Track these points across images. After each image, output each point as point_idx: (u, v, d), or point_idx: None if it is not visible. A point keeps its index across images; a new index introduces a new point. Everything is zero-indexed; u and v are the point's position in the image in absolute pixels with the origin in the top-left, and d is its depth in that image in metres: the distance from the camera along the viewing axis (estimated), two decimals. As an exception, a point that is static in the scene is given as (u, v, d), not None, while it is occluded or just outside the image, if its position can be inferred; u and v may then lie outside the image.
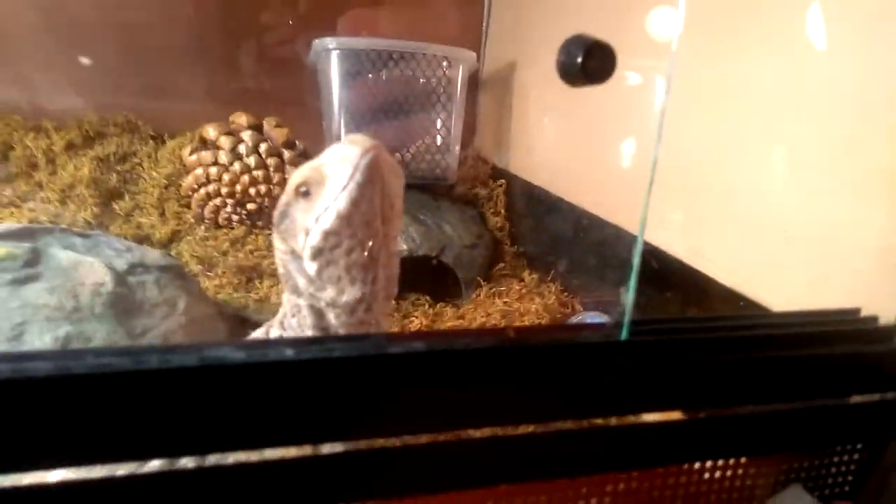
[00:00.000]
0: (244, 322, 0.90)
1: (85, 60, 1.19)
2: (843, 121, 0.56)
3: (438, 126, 1.18)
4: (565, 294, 1.02)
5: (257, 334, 0.56)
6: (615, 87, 0.83)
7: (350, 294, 0.49)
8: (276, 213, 0.50)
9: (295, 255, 0.49)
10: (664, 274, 0.80)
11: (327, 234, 0.46)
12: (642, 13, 0.80)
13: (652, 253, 0.81)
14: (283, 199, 0.49)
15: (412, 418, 0.42)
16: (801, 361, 0.51)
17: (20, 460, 0.34)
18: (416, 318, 0.95)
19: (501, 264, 1.14)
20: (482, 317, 0.96)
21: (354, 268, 0.48)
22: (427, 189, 1.20)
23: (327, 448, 0.41)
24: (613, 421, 0.47)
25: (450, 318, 0.97)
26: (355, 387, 0.40)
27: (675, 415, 0.48)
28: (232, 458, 0.39)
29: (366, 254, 0.48)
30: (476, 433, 0.44)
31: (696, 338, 0.47)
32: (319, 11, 1.25)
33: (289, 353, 0.39)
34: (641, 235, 0.43)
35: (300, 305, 0.52)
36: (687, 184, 0.77)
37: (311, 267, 0.48)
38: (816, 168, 0.60)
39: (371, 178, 0.46)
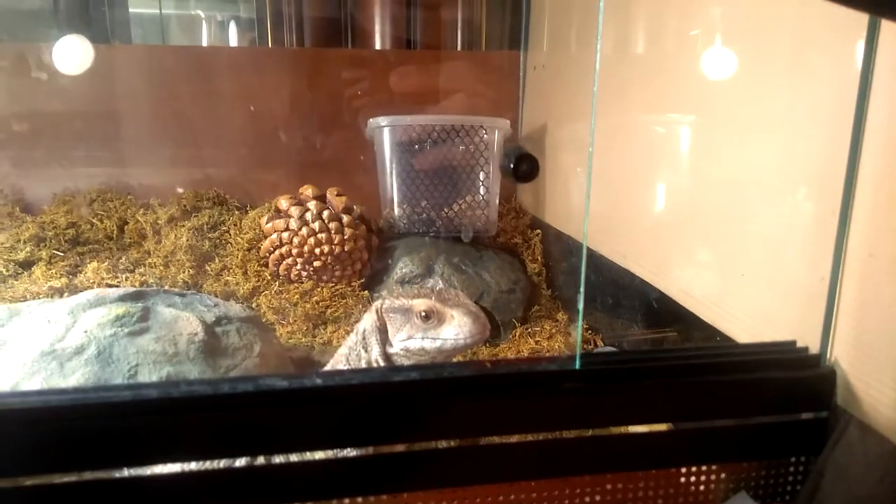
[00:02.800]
0: (310, 362, 1.07)
1: (184, 146, 1.44)
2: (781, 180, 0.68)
3: (479, 185, 1.34)
4: (589, 332, 1.14)
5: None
6: (630, 147, 0.98)
7: None
8: (390, 304, 0.69)
9: (382, 331, 0.70)
10: (663, 312, 0.91)
11: (423, 349, 0.69)
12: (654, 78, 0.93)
13: (655, 295, 0.93)
14: (405, 304, 0.70)
15: (415, 429, 0.56)
16: (742, 384, 0.62)
17: (137, 457, 0.50)
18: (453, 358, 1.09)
19: (537, 307, 1.27)
20: (513, 355, 1.10)
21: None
22: (472, 241, 1.36)
23: (351, 452, 0.56)
24: (572, 434, 0.60)
25: (485, 356, 1.11)
26: (370, 405, 0.54)
27: (627, 429, 0.60)
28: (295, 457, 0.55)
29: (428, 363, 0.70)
30: (461, 441, 0.58)
31: (637, 367, 0.59)
32: (377, 94, 1.46)
33: (318, 381, 0.54)
34: (582, 287, 0.56)
35: (361, 357, 0.70)
36: (685, 231, 0.89)
37: (395, 347, 0.70)
38: (763, 219, 0.71)
39: (472, 346, 0.69)
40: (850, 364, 0.60)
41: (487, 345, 1.18)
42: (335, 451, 0.56)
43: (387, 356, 0.69)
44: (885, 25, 0.53)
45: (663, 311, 0.92)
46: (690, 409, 0.61)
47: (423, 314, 0.68)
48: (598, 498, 0.60)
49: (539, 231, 1.39)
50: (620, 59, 1.06)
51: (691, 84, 0.87)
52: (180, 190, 1.39)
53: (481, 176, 1.34)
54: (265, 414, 0.53)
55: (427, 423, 0.56)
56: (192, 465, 0.56)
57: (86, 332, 0.79)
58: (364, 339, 0.71)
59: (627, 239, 1.04)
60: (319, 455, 0.56)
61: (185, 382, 0.52)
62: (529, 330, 1.20)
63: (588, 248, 1.16)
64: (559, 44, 1.38)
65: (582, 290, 0.56)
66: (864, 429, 0.58)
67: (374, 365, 0.69)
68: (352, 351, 0.72)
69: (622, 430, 0.64)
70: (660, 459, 0.62)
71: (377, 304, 0.72)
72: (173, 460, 0.54)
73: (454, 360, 0.89)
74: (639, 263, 1.00)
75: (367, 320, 0.72)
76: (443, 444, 0.58)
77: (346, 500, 0.55)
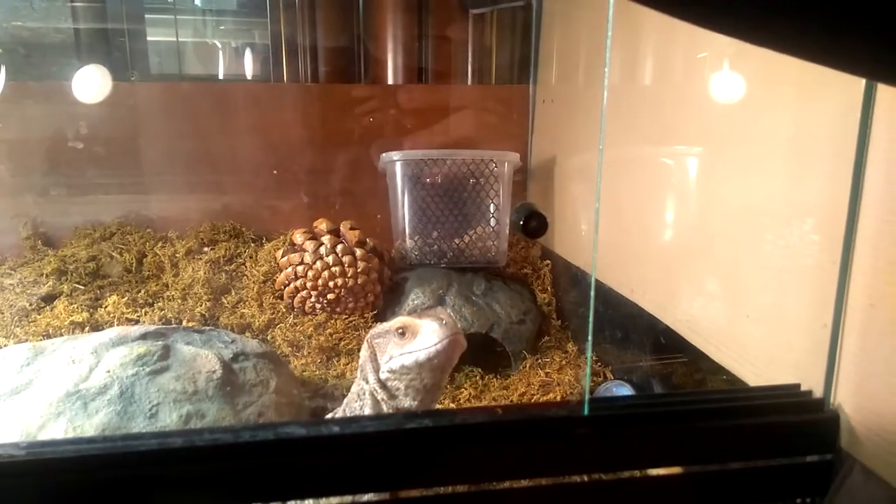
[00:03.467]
0: (324, 395, 1.09)
1: (201, 179, 1.47)
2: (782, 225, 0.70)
3: (489, 217, 1.36)
4: (599, 364, 1.15)
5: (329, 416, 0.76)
6: (637, 179, 1.00)
7: (401, 402, 0.71)
8: (376, 331, 0.71)
9: (373, 359, 0.72)
10: (670, 347, 0.93)
11: (403, 367, 0.69)
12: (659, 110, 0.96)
13: (662, 329, 0.95)
14: (386, 327, 0.72)
15: (429, 475, 0.58)
16: (749, 428, 0.63)
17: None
18: (466, 388, 1.11)
19: (547, 337, 1.29)
20: (524, 387, 1.11)
21: (411, 390, 0.70)
22: (482, 271, 1.38)
23: (365, 498, 0.58)
24: (584, 478, 0.61)
25: (496, 388, 1.13)
26: (385, 451, 0.56)
27: (634, 473, 0.62)
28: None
29: (422, 385, 0.70)
30: (474, 486, 0.60)
31: (644, 412, 0.61)
32: (390, 128, 1.49)
33: (335, 429, 0.56)
34: (590, 341, 0.58)
35: (365, 391, 0.72)
36: (691, 266, 0.90)
37: (383, 374, 0.71)
38: (768, 260, 0.73)
39: (445, 351, 0.68)
40: (853, 409, 0.61)
41: (498, 376, 1.19)
42: (353, 496, 0.58)
43: (381, 383, 0.71)
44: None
45: (670, 346, 0.93)
46: (698, 452, 0.63)
47: (398, 332, 0.69)
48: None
49: (549, 262, 1.41)
50: (628, 92, 1.08)
51: (698, 118, 0.89)
52: (199, 222, 1.42)
53: (491, 208, 1.36)
54: (284, 461, 0.55)
55: (440, 468, 0.58)
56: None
57: (108, 371, 0.81)
58: (362, 371, 0.73)
59: (634, 272, 1.06)
60: (335, 501, 0.58)
61: (209, 430, 0.55)
62: (540, 361, 1.21)
63: (597, 280, 1.18)
64: (567, 77, 1.41)
65: (590, 338, 0.58)
66: (867, 473, 0.59)
67: (375, 395, 0.71)
68: (358, 387, 0.74)
69: (631, 473, 0.66)
70: (668, 502, 0.64)
71: (369, 333, 0.74)
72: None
73: (466, 406, 0.92)
74: (646, 297, 1.01)
75: (362, 353, 0.74)
76: (457, 488, 0.59)
77: (362, 543, 0.57)
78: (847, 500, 0.61)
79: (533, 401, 1.07)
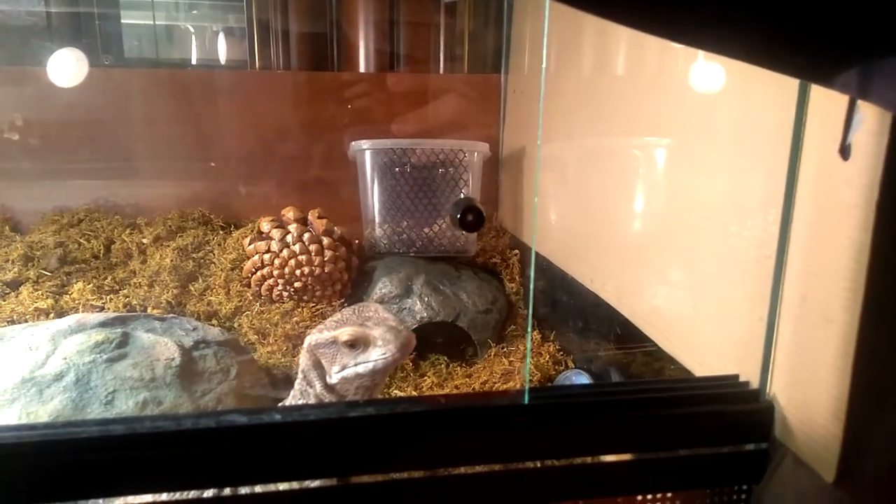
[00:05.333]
0: (288, 382, 1.09)
1: (172, 166, 1.47)
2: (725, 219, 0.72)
3: (458, 206, 1.37)
4: (561, 353, 1.17)
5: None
6: (599, 171, 1.01)
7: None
8: (317, 340, 0.72)
9: (318, 367, 0.72)
10: (627, 338, 0.94)
11: (358, 375, 0.70)
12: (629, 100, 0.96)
13: (620, 320, 0.96)
14: (329, 337, 0.71)
15: (371, 462, 0.59)
16: (688, 417, 0.65)
17: (105, 490, 0.53)
18: (429, 377, 1.12)
19: (513, 326, 1.30)
20: (487, 375, 1.13)
21: (361, 389, 0.72)
22: (451, 260, 1.39)
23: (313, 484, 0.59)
24: (527, 465, 0.63)
25: (459, 376, 1.14)
26: (328, 439, 0.57)
27: (575, 460, 0.63)
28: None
29: (373, 384, 0.72)
30: (418, 474, 0.61)
31: (583, 402, 0.62)
32: (361, 116, 1.49)
33: (277, 417, 0.58)
34: (530, 333, 0.59)
35: (310, 393, 0.72)
36: (645, 259, 0.92)
37: (333, 379, 0.71)
38: (712, 254, 0.74)
39: (401, 356, 0.69)
40: (786, 399, 0.63)
41: (464, 365, 1.21)
42: (299, 482, 0.59)
43: (330, 387, 0.72)
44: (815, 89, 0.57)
45: (627, 337, 0.95)
46: (638, 441, 0.64)
47: (348, 343, 0.70)
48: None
49: (517, 251, 1.42)
50: (596, 82, 1.09)
51: (657, 110, 0.90)
52: (169, 209, 1.42)
53: (461, 197, 1.37)
54: (226, 448, 0.56)
55: (383, 456, 0.59)
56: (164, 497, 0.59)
57: (65, 358, 0.82)
58: (305, 377, 0.73)
59: (594, 262, 1.08)
60: (283, 486, 0.59)
61: (150, 418, 0.56)
62: (505, 349, 1.23)
63: (560, 270, 1.19)
64: (538, 67, 1.41)
65: (529, 330, 0.59)
66: (798, 462, 0.61)
67: (322, 398, 0.72)
68: (300, 389, 0.74)
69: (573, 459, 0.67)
70: (609, 488, 0.66)
71: (308, 340, 0.74)
72: (141, 492, 0.57)
73: (410, 394, 0.93)
74: (605, 288, 1.03)
75: (303, 359, 0.74)
76: (402, 475, 0.61)
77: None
78: (778, 488, 0.63)
79: (495, 388, 1.09)
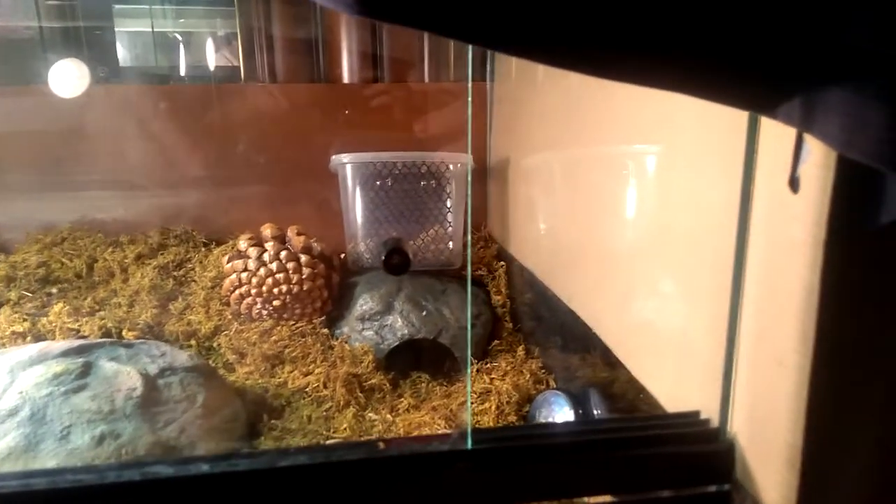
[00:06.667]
0: (263, 405, 1.08)
1: (156, 182, 1.46)
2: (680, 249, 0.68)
3: (441, 219, 1.35)
4: (543, 371, 1.14)
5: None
6: (575, 182, 0.97)
7: None
8: None
9: None
10: (602, 360, 0.91)
11: None
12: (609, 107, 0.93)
13: (596, 342, 0.93)
14: None
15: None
16: (644, 458, 0.62)
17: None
18: (406, 398, 1.10)
19: (497, 341, 1.28)
20: (464, 395, 1.10)
21: None
22: (436, 274, 1.36)
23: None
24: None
25: (438, 396, 1.11)
26: (257, 490, 0.55)
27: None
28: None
29: None
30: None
31: (531, 444, 0.60)
32: (344, 128, 1.47)
33: (204, 468, 0.55)
34: (469, 371, 0.56)
35: None
36: (618, 282, 0.89)
37: None
38: (674, 284, 0.71)
39: None
40: (745, 441, 0.60)
41: (444, 384, 1.18)
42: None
43: None
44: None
45: (602, 359, 0.92)
46: (590, 485, 0.62)
47: None
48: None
49: (504, 263, 1.40)
50: (581, 92, 1.05)
51: (634, 121, 0.86)
52: (152, 226, 1.42)
53: (444, 210, 1.34)
54: (153, 502, 0.54)
55: None
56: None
57: (21, 392, 0.81)
58: None
59: (570, 280, 1.04)
60: (210, 538, 0.57)
61: (72, 471, 0.54)
62: (488, 366, 1.20)
63: (542, 285, 1.16)
64: (524, 76, 1.38)
65: (469, 368, 0.56)
66: (757, 507, 0.58)
67: None
68: None
69: None
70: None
71: None
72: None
73: (384, 417, 0.90)
74: (583, 307, 1.00)
75: None
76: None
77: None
78: (737, 534, 0.59)
79: (472, 407, 1.06)
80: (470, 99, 1.14)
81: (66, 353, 0.90)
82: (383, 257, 0.50)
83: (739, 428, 0.60)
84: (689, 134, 0.68)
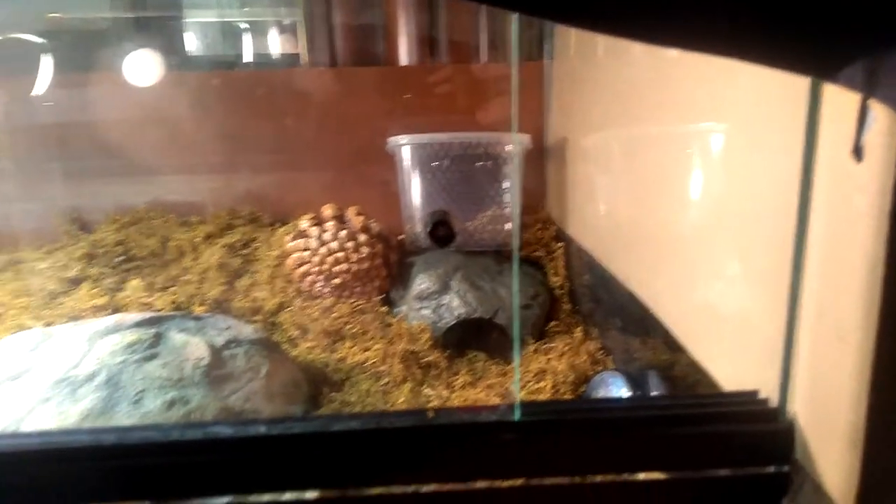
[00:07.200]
0: (324, 378, 1.11)
1: (226, 165, 1.52)
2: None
3: (498, 199, 1.34)
4: (602, 352, 1.13)
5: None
6: (637, 163, 0.96)
7: None
8: None
9: None
10: (659, 340, 0.89)
11: None
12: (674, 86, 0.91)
13: (653, 322, 0.92)
14: None
15: (355, 476, 0.59)
16: (700, 437, 0.61)
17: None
18: (463, 375, 1.11)
19: (555, 322, 1.27)
20: (521, 373, 1.10)
21: None
22: (493, 254, 1.36)
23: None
24: (518, 482, 0.61)
25: (493, 375, 1.12)
26: (308, 455, 0.57)
27: (566, 479, 0.60)
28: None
29: None
30: (410, 488, 0.60)
31: (580, 418, 0.60)
32: (404, 110, 1.49)
33: (262, 429, 0.58)
34: (517, 346, 0.56)
35: None
36: (676, 263, 0.87)
37: None
38: (736, 264, 0.69)
39: None
40: (805, 421, 0.58)
41: (500, 362, 1.19)
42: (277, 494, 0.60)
43: None
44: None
45: (661, 340, 0.90)
46: (642, 460, 0.61)
47: None
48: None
49: (562, 244, 1.38)
50: (647, 67, 1.02)
51: (697, 102, 0.84)
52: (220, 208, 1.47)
53: (500, 190, 1.34)
54: (213, 459, 0.57)
55: (367, 470, 0.59)
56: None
57: (98, 359, 0.86)
58: None
59: (628, 261, 1.03)
60: (267, 497, 0.59)
61: (140, 428, 0.57)
62: (545, 346, 1.20)
63: (600, 267, 1.15)
64: (583, 54, 1.35)
65: (517, 343, 0.57)
66: (817, 489, 0.56)
67: None
68: None
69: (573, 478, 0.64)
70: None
71: None
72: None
73: (440, 393, 0.91)
74: (641, 288, 0.98)
75: None
76: (385, 490, 0.60)
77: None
78: (795, 516, 0.58)
79: (528, 387, 1.06)
80: (515, 78, 1.12)
81: (139, 324, 0.94)
82: (429, 229, 0.50)
83: (800, 408, 0.59)
84: (750, 110, 0.65)
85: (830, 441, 0.54)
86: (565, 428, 0.59)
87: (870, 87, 0.43)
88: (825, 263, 0.53)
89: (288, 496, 0.58)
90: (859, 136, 0.49)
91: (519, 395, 0.57)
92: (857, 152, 0.49)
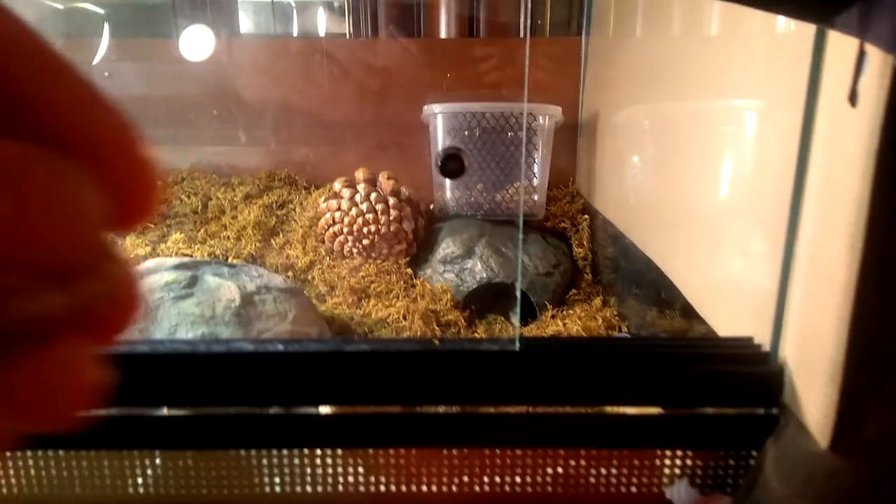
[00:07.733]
0: (348, 331, 1.16)
1: (266, 130, 1.58)
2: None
3: (527, 171, 1.37)
4: (618, 318, 1.15)
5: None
6: (660, 136, 0.98)
7: None
8: None
9: None
10: (671, 302, 0.92)
11: None
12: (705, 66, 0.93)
13: (666, 283, 0.94)
14: None
15: (365, 396, 0.63)
16: (692, 375, 0.64)
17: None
18: (479, 333, 1.15)
19: (575, 290, 1.30)
20: (538, 333, 1.13)
21: None
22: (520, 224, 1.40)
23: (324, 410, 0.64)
24: (518, 409, 0.64)
25: (509, 334, 1.15)
26: (321, 372, 0.62)
27: (565, 409, 0.64)
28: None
29: None
30: (417, 409, 0.64)
31: (579, 352, 0.63)
32: (440, 82, 1.52)
33: (279, 347, 0.63)
34: (520, 284, 0.60)
35: None
36: (682, 220, 0.89)
37: None
38: (736, 217, 0.71)
39: None
40: (794, 363, 0.60)
41: (521, 323, 1.22)
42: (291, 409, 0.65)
43: None
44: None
45: (672, 301, 0.92)
46: (637, 395, 0.64)
47: None
48: (539, 474, 0.65)
49: (588, 216, 1.40)
50: (684, 43, 1.03)
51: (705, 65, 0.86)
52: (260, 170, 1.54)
53: (530, 161, 1.37)
54: (235, 373, 0.62)
55: (376, 390, 0.63)
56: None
57: (139, 294, 0.92)
58: None
59: (647, 226, 1.05)
60: (275, 410, 0.64)
61: (170, 341, 0.63)
62: (563, 312, 1.23)
63: (621, 234, 1.17)
64: (621, 30, 1.37)
65: (518, 283, 0.60)
66: (800, 428, 0.58)
67: None
68: None
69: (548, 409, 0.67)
70: (607, 440, 0.66)
71: None
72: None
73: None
74: (656, 251, 1.00)
75: None
76: (392, 409, 0.64)
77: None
78: (779, 454, 0.60)
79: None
80: (528, 51, 1.15)
81: (177, 267, 1.01)
82: (439, 162, 0.53)
83: (790, 352, 0.61)
84: (750, 46, 0.67)
85: (814, 380, 0.56)
86: (565, 359, 0.62)
87: (863, 31, 0.45)
88: (819, 207, 0.55)
89: (302, 410, 0.63)
90: (856, 82, 0.51)
91: (519, 329, 0.60)
92: (853, 97, 0.51)
